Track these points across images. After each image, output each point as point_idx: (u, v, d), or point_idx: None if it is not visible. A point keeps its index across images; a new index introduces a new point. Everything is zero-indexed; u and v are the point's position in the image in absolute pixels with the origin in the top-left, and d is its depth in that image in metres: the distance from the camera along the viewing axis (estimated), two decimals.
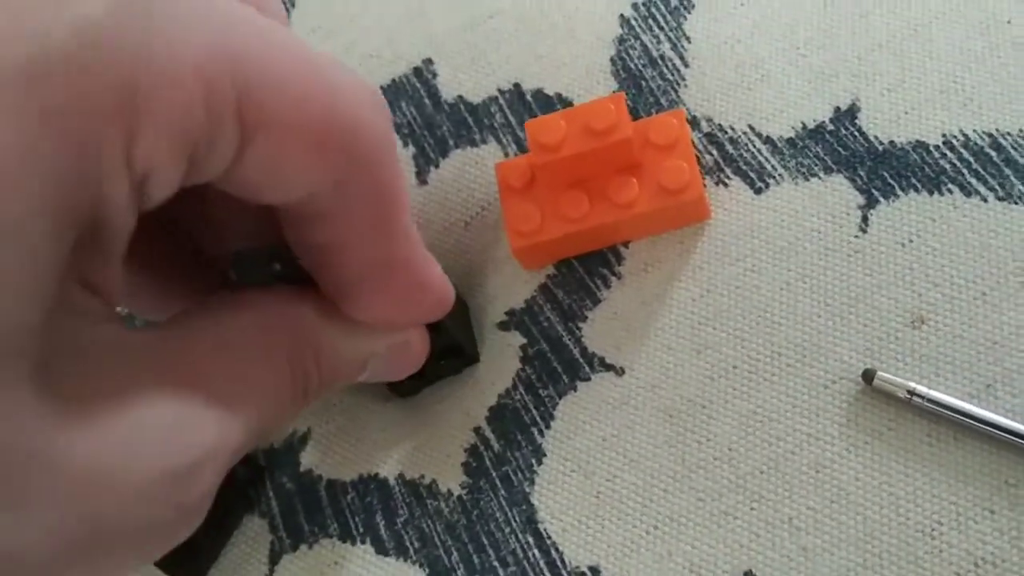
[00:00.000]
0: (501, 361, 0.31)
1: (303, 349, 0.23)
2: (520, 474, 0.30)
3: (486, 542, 0.29)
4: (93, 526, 0.18)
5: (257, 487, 0.32)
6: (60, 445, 0.17)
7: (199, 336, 0.21)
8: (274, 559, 0.30)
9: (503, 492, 0.30)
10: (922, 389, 0.27)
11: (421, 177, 0.35)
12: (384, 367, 0.27)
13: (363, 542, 0.30)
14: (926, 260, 0.29)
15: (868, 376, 0.27)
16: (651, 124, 0.31)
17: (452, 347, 0.30)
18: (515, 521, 0.29)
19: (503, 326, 0.32)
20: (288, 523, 0.31)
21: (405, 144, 0.36)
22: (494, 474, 0.30)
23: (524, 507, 0.29)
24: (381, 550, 0.30)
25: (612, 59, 0.35)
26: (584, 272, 0.32)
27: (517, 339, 0.32)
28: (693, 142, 0.32)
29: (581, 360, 0.31)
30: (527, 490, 0.29)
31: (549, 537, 0.29)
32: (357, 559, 0.30)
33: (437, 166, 0.35)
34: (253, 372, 0.22)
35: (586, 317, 0.31)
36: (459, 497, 0.30)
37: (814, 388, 0.28)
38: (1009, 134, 0.29)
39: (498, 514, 0.29)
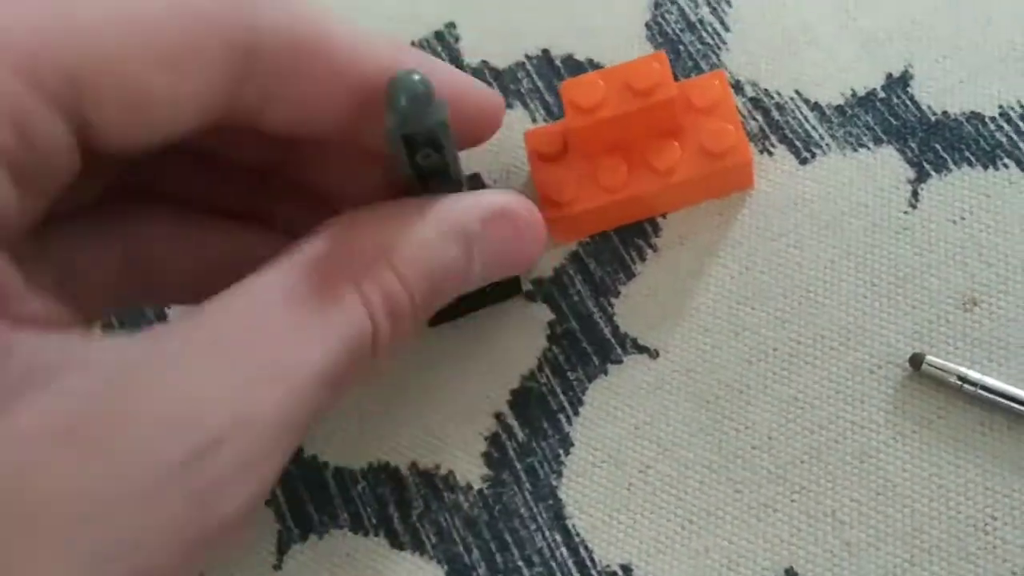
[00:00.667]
0: (526, 338, 0.30)
1: (369, 292, 0.21)
2: (547, 466, 0.28)
3: (510, 539, 0.28)
4: (105, 551, 0.17)
5: None
6: (40, 476, 0.17)
7: (220, 311, 0.20)
8: (282, 549, 0.29)
9: (528, 486, 0.28)
10: (974, 375, 0.25)
11: None
12: (495, 253, 0.25)
13: (376, 534, 0.28)
14: (979, 238, 0.27)
15: (916, 361, 0.26)
16: (691, 86, 0.29)
17: None
18: (541, 517, 0.28)
19: (528, 296, 0.30)
20: (295, 512, 0.29)
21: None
22: (518, 466, 0.28)
23: (551, 502, 0.28)
24: (396, 544, 0.28)
25: (647, 24, 0.33)
26: (619, 242, 0.30)
27: (544, 313, 0.30)
28: (737, 107, 0.30)
29: (613, 341, 0.29)
30: (554, 483, 0.28)
31: (578, 534, 0.27)
32: (370, 552, 0.28)
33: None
34: (291, 340, 0.20)
35: (619, 292, 0.30)
36: (480, 491, 0.28)
37: (859, 373, 0.27)
38: None
39: (522, 510, 0.28)
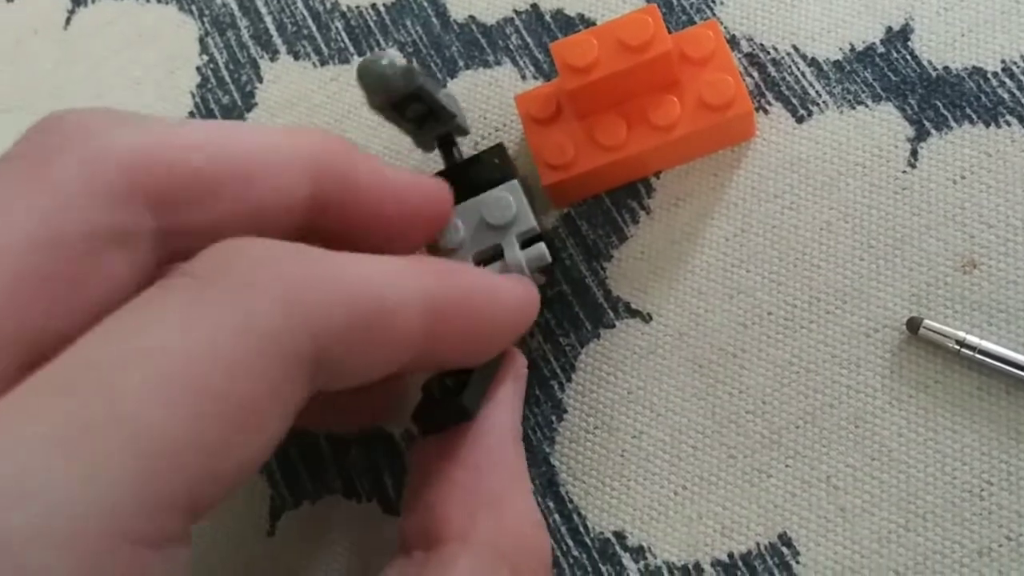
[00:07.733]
0: None
1: None
2: (539, 432, 0.28)
3: None
4: None
5: None
6: None
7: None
8: (275, 514, 0.29)
9: None
10: (972, 339, 0.25)
11: None
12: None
13: (369, 500, 0.28)
14: (980, 198, 0.27)
15: (914, 324, 0.25)
16: (684, 38, 0.28)
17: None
18: (534, 484, 0.27)
19: None
20: (288, 478, 0.29)
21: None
22: None
23: (543, 468, 0.27)
24: (389, 509, 0.28)
25: None
26: (611, 204, 0.30)
27: (535, 277, 0.29)
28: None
29: (605, 305, 0.28)
30: (547, 450, 0.28)
31: (571, 501, 0.27)
32: (364, 517, 0.28)
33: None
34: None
35: (611, 256, 0.29)
36: None
37: (855, 336, 0.26)
38: None
39: None
